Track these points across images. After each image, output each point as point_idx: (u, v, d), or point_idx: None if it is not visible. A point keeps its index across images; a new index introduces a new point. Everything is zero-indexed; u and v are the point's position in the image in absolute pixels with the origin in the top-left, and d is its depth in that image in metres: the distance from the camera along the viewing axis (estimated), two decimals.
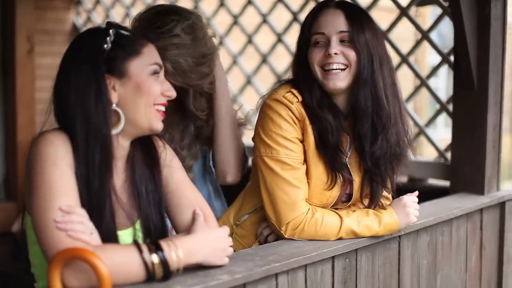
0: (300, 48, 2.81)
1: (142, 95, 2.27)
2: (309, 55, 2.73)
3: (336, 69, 2.67)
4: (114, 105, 2.26)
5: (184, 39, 2.94)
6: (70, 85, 2.23)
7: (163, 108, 2.35)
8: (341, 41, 2.69)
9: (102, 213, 2.19)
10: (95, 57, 2.24)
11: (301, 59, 2.78)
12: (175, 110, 3.08)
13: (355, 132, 2.74)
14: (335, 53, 2.66)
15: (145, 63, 2.30)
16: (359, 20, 2.73)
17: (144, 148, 2.44)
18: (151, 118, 2.31)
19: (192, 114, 3.13)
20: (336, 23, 2.70)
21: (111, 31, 2.30)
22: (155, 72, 2.32)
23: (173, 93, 2.36)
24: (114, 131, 2.25)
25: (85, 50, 2.28)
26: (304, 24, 2.80)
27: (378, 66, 2.71)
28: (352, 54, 2.67)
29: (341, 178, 2.77)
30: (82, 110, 2.20)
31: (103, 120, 2.20)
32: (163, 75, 2.38)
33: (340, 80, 2.67)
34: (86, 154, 2.17)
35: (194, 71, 2.96)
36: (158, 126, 2.34)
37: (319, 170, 2.74)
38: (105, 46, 2.26)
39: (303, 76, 2.75)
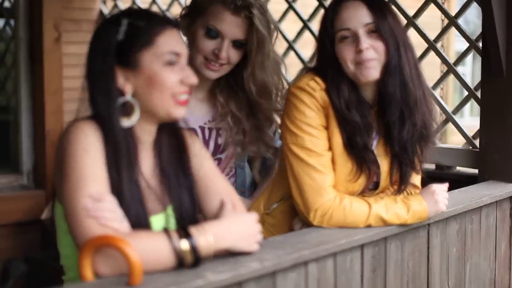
0: (323, 45, 2.78)
1: (155, 87, 2.25)
2: (339, 52, 2.70)
3: (369, 60, 2.66)
4: (128, 97, 2.25)
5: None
6: (88, 77, 2.28)
7: (184, 97, 2.30)
8: (368, 33, 2.68)
9: (132, 200, 2.20)
10: (106, 49, 2.25)
11: (327, 56, 2.76)
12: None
13: (384, 121, 2.74)
14: (366, 48, 2.65)
15: (158, 53, 2.26)
16: (381, 8, 2.72)
17: (171, 134, 2.44)
18: (169, 109, 2.28)
19: (242, 87, 3.23)
20: (360, 16, 2.68)
21: (123, 21, 2.28)
22: (171, 62, 2.27)
23: (193, 80, 2.30)
24: (127, 123, 2.24)
25: (98, 42, 2.29)
26: (325, 20, 2.77)
27: (403, 51, 2.71)
28: (380, 45, 2.67)
29: (368, 170, 2.77)
30: (96, 101, 2.24)
31: (110, 112, 2.21)
32: (185, 61, 2.33)
33: (373, 70, 2.67)
34: (108, 143, 2.19)
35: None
36: (178, 114, 2.31)
37: (343, 160, 2.74)
38: (117, 37, 2.26)
39: (332, 75, 2.73)
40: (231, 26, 3.07)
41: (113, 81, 2.24)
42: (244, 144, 3.28)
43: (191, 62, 3.04)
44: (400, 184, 2.84)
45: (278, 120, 3.33)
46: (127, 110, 2.25)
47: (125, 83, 2.25)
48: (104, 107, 2.23)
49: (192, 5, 3.22)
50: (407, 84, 2.70)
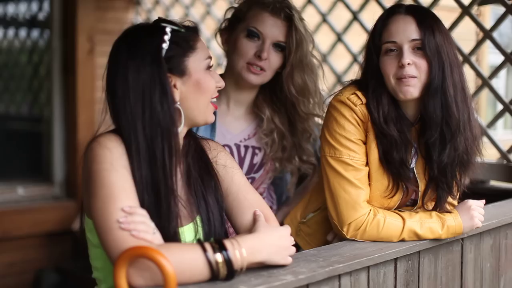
0: (370, 56, 2.76)
1: (203, 92, 2.31)
2: (382, 65, 2.69)
3: (409, 77, 2.63)
4: (177, 104, 2.27)
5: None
6: (129, 86, 2.21)
7: (215, 100, 2.39)
8: (413, 49, 2.65)
9: (169, 211, 2.20)
10: (156, 57, 2.24)
11: (372, 66, 2.74)
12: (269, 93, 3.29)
13: (423, 141, 2.71)
14: (408, 63, 2.62)
15: (201, 58, 2.32)
16: (430, 25, 2.67)
17: (194, 142, 2.46)
18: (207, 113, 2.35)
19: (284, 96, 3.25)
20: (407, 31, 2.65)
21: (167, 29, 2.29)
22: (209, 66, 2.35)
23: (222, 84, 2.38)
24: (179, 129, 2.27)
25: (142, 50, 2.25)
26: (374, 31, 2.76)
27: (449, 73, 2.65)
28: (423, 64, 2.63)
29: (405, 187, 2.75)
30: (148, 110, 2.20)
31: (170, 119, 2.22)
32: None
33: (412, 88, 2.63)
34: (150, 154, 2.19)
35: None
36: (212, 118, 2.38)
37: (380, 175, 2.73)
38: (164, 44, 2.25)
39: (374, 86, 2.71)
40: (271, 27, 3.11)
41: (170, 88, 2.24)
42: (282, 160, 3.28)
43: (232, 70, 3.07)
44: (435, 207, 2.79)
45: (317, 132, 3.33)
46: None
47: (174, 90, 2.27)
48: (164, 115, 2.21)
49: (232, 15, 3.27)
50: (449, 107, 2.65)
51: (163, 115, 2.21)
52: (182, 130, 2.32)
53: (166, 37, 2.26)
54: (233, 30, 3.20)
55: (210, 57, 2.37)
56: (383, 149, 2.70)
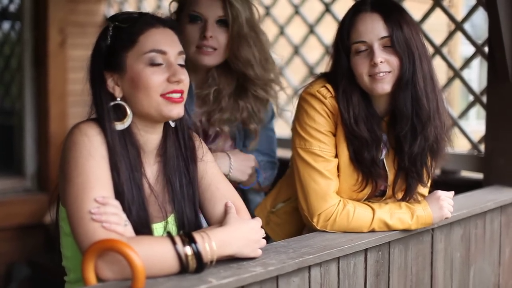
0: (339, 55, 2.75)
1: (140, 88, 2.22)
2: (354, 65, 2.69)
3: (383, 73, 2.63)
4: (118, 100, 2.25)
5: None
6: (88, 83, 2.30)
7: (176, 95, 2.25)
8: (383, 46, 2.65)
9: (131, 203, 2.19)
10: (96, 55, 2.29)
11: (341, 66, 2.73)
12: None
13: (394, 134, 2.73)
14: (381, 62, 2.62)
15: (140, 52, 2.23)
16: (397, 20, 2.67)
17: (179, 140, 2.42)
18: (160, 108, 2.23)
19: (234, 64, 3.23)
20: (376, 30, 2.65)
21: (110, 25, 2.29)
22: (153, 60, 2.23)
23: (181, 77, 2.25)
24: (120, 126, 2.23)
25: (93, 49, 2.32)
26: (341, 30, 2.75)
27: (419, 65, 2.66)
28: (395, 60, 2.64)
29: (374, 182, 2.76)
30: (94, 106, 2.27)
31: (105, 116, 2.22)
32: (173, 59, 2.27)
33: (386, 84, 2.64)
34: (109, 145, 2.19)
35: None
36: (172, 113, 2.25)
37: (350, 171, 2.74)
38: (103, 43, 2.28)
39: (344, 86, 2.71)
40: (209, 6, 3.13)
41: (103, 85, 2.25)
42: (220, 121, 3.22)
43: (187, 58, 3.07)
44: (405, 195, 2.82)
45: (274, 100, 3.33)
46: (121, 113, 2.25)
47: (115, 87, 2.26)
48: (99, 112, 2.24)
49: (177, 8, 3.30)
50: (419, 99, 2.66)
51: (100, 112, 2.23)
52: (141, 124, 2.27)
53: (108, 35, 2.27)
54: (179, 19, 3.22)
55: (158, 51, 2.24)
56: (353, 149, 2.72)
